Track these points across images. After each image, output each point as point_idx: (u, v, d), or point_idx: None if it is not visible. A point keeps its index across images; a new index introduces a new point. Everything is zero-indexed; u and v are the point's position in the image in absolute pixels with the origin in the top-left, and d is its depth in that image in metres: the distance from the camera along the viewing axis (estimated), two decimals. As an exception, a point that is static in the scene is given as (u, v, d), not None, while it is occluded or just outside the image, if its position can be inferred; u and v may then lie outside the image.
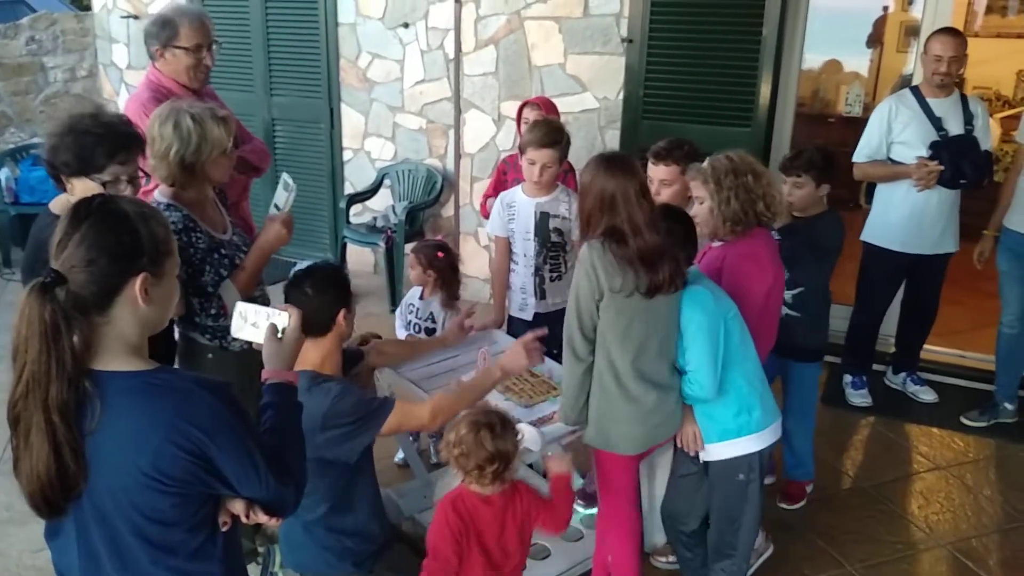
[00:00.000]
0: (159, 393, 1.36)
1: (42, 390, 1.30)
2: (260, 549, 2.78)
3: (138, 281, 1.36)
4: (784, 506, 3.28)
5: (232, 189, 3.28)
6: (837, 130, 7.31)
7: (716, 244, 2.63)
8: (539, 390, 2.77)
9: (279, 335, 1.66)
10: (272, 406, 1.57)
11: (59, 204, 2.19)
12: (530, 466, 3.27)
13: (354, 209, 5.62)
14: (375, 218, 5.56)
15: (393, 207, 5.46)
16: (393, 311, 5.19)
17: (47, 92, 6.36)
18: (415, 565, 2.39)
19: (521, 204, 3.28)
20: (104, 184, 2.09)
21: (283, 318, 1.67)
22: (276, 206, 2.59)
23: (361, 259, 5.73)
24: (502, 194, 3.40)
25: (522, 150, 3.19)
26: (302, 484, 1.54)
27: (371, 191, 5.60)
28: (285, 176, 2.63)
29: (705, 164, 2.62)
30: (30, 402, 1.31)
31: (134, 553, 1.43)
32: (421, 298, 3.43)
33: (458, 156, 5.31)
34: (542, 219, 3.25)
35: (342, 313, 2.25)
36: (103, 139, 2.07)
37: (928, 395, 4.17)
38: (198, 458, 1.36)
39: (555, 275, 3.33)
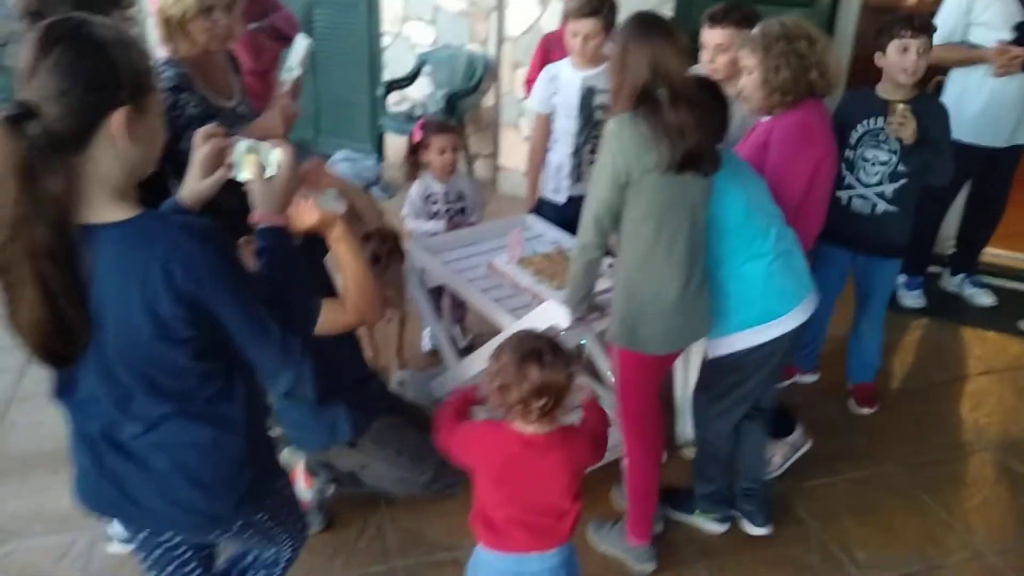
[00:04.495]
0: (145, 241, 1.28)
1: (27, 235, 1.21)
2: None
3: (118, 116, 1.25)
4: (866, 411, 3.15)
5: (264, 56, 3.14)
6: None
7: (764, 119, 2.44)
8: (572, 272, 2.65)
9: (269, 174, 1.53)
10: (266, 251, 1.48)
11: None
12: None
13: (393, 97, 5.45)
14: (414, 106, 5.39)
15: (432, 95, 5.28)
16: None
17: None
18: (410, 440, 2.33)
19: (566, 78, 3.09)
20: None
21: (275, 155, 1.54)
22: (288, 68, 2.44)
23: (400, 149, 5.57)
24: (548, 66, 3.20)
25: (564, 20, 2.98)
26: (309, 327, 1.47)
27: (410, 78, 5.41)
28: (298, 36, 2.48)
29: (755, 31, 2.41)
30: (16, 249, 1.22)
31: (148, 408, 1.40)
32: (439, 181, 3.25)
33: (500, 41, 5.07)
34: (587, 94, 3.05)
35: None
36: None
37: (986, 298, 3.96)
38: (193, 308, 1.30)
39: (595, 156, 3.15)
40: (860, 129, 2.76)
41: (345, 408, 2.32)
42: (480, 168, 5.46)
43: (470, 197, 3.31)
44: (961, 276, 4.03)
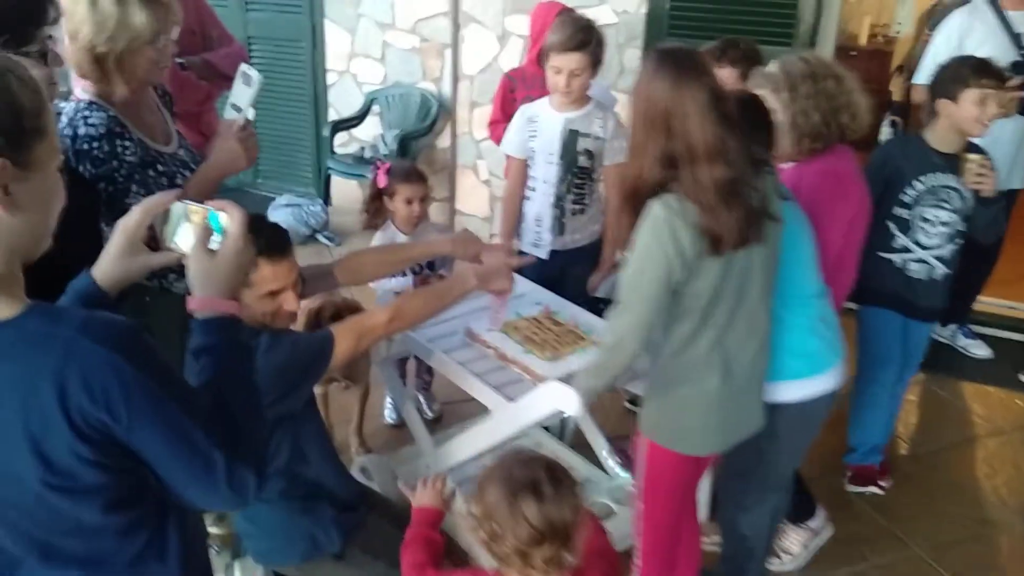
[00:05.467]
0: (31, 351, 0.90)
1: None
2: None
3: None
4: (883, 485, 2.82)
5: (190, 96, 2.75)
6: (861, 63, 6.81)
7: (786, 166, 2.15)
8: (565, 340, 2.30)
9: (212, 245, 1.14)
10: (208, 351, 1.10)
11: None
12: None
13: (339, 138, 5.08)
14: (363, 148, 5.02)
15: (383, 136, 4.93)
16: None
17: None
18: (396, 542, 1.96)
19: (546, 119, 2.77)
20: (42, 55, 1.55)
21: (222, 220, 1.15)
22: (234, 106, 2.05)
23: (347, 193, 5.20)
24: (524, 106, 2.89)
25: (545, 55, 2.68)
26: (263, 453, 1.10)
27: (358, 118, 5.05)
28: (243, 67, 2.07)
29: (774, 68, 2.13)
30: None
31: None
32: (404, 233, 2.90)
33: (456, 79, 4.76)
34: (570, 138, 2.75)
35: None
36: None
37: (981, 350, 3.75)
38: (101, 444, 0.91)
39: (578, 207, 2.85)
40: (919, 186, 2.43)
41: (330, 509, 1.91)
42: (435, 212, 5.10)
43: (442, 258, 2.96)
44: (953, 326, 3.83)
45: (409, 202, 2.86)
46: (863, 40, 7.04)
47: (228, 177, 2.02)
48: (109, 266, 1.19)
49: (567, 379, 2.10)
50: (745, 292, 1.71)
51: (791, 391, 1.87)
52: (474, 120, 4.76)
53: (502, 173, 4.75)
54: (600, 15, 4.21)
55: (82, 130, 1.75)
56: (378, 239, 2.90)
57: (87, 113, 1.77)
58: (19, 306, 0.92)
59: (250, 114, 2.02)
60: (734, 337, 1.72)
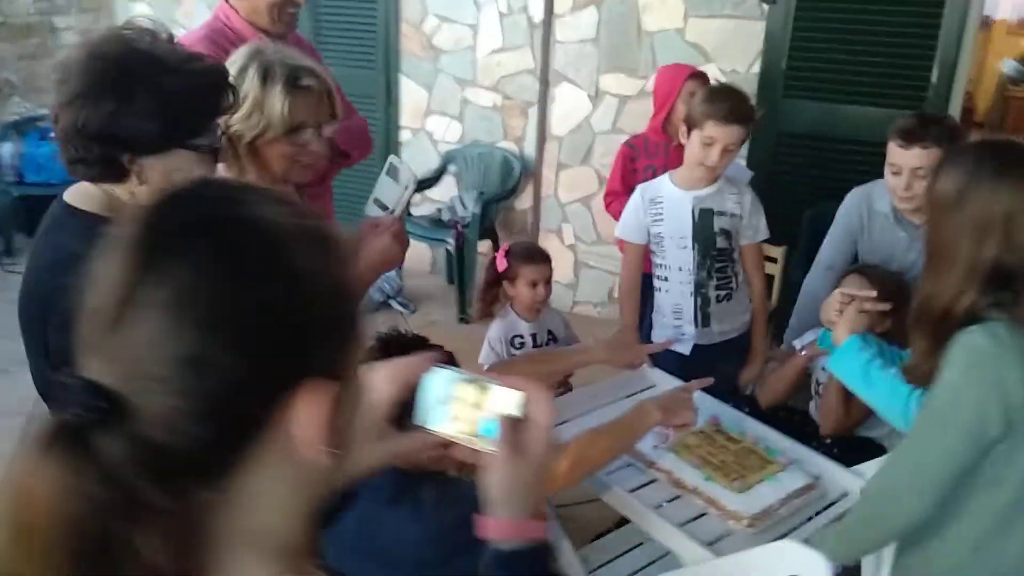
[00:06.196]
0: None
1: None
2: None
3: (304, 401, 0.55)
4: None
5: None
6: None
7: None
8: (749, 463, 1.96)
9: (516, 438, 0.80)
10: None
11: (83, 195, 1.30)
12: None
13: (413, 199, 4.82)
14: (439, 210, 4.76)
15: (460, 197, 4.66)
16: (463, 320, 4.43)
17: (59, 56, 5.55)
18: None
19: (672, 199, 2.49)
20: (211, 150, 1.29)
21: (517, 404, 0.80)
22: (379, 202, 1.80)
23: (421, 257, 4.93)
24: (641, 186, 2.60)
25: (695, 124, 2.39)
26: None
27: (433, 179, 4.80)
28: (394, 159, 1.83)
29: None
30: None
31: None
32: (526, 320, 2.60)
33: (542, 138, 4.49)
34: (703, 218, 2.46)
35: None
36: (206, 77, 1.24)
37: None
38: None
39: (723, 293, 2.54)
40: None
41: None
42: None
43: (563, 336, 2.66)
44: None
45: (534, 285, 2.57)
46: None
47: (382, 275, 1.77)
48: None
49: (763, 514, 1.78)
50: None
51: None
52: (560, 182, 4.49)
53: (588, 237, 4.50)
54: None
55: None
56: (496, 328, 2.60)
57: None
58: None
59: (398, 211, 1.77)
60: None
